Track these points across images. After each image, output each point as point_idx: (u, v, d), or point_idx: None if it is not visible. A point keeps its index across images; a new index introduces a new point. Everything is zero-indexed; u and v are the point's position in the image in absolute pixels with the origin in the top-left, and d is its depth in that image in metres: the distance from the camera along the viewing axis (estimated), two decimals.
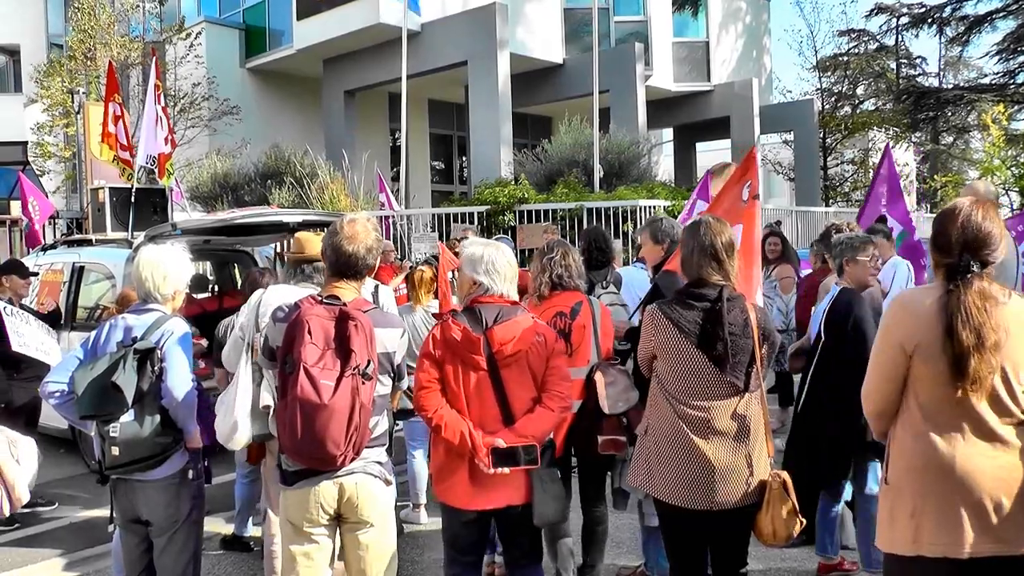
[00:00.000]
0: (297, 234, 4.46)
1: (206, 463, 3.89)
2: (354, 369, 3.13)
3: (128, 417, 3.53)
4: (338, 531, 3.45)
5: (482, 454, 3.41)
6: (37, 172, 19.54)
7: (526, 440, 3.44)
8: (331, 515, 3.35)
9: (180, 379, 3.65)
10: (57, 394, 3.67)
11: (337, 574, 3.55)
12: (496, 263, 3.59)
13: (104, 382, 3.50)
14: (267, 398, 3.79)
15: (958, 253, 2.72)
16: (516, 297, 3.66)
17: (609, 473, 4.63)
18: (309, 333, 3.16)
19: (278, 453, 3.42)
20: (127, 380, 3.49)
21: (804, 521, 3.47)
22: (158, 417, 3.58)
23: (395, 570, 3.57)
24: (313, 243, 4.28)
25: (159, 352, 3.62)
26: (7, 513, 4.10)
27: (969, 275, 2.70)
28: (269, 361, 3.45)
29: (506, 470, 3.43)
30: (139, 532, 3.80)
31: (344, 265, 3.40)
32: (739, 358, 3.41)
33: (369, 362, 3.18)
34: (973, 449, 2.67)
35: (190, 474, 3.75)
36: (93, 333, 3.82)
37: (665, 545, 3.72)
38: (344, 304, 3.28)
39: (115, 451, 3.52)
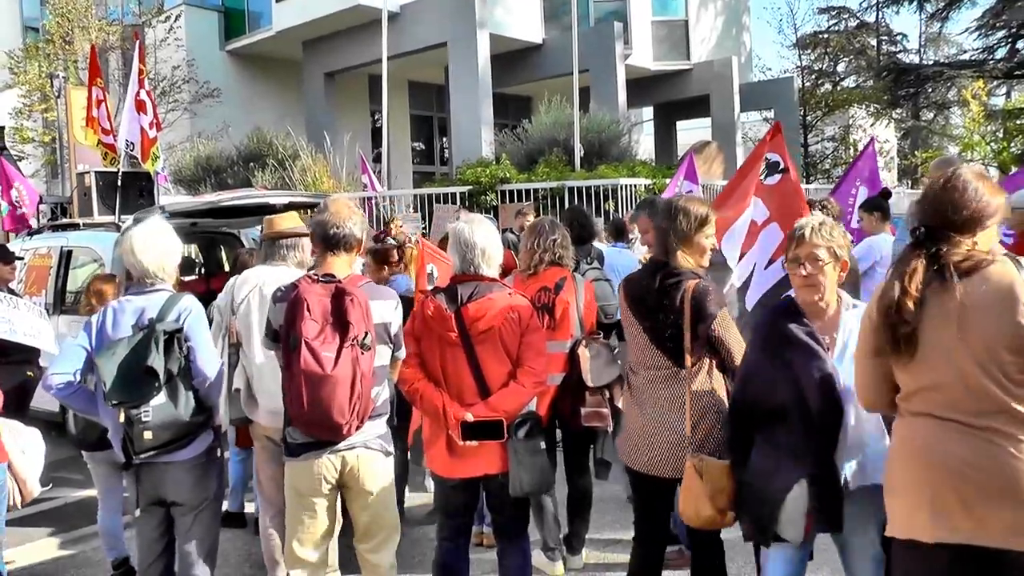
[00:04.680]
0: (267, 216, 4.55)
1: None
2: (352, 340, 3.29)
3: (160, 400, 3.49)
4: (340, 497, 3.64)
5: (453, 427, 3.55)
6: (15, 157, 19.44)
7: (498, 415, 3.56)
8: (332, 484, 3.53)
9: (210, 357, 3.71)
10: (62, 385, 3.61)
11: None
12: (460, 238, 3.70)
13: (134, 366, 3.47)
14: (238, 381, 3.92)
15: (917, 227, 2.56)
16: (492, 272, 3.76)
17: (592, 445, 4.77)
18: (308, 310, 3.31)
19: (284, 427, 3.56)
20: (161, 362, 3.48)
21: (730, 514, 3.35)
22: (192, 397, 3.59)
23: (398, 531, 3.77)
24: (279, 220, 4.42)
25: (183, 332, 3.62)
26: (19, 505, 4.16)
27: (921, 250, 2.50)
28: (273, 343, 3.57)
29: (474, 443, 3.57)
30: (158, 514, 3.79)
31: (332, 240, 3.54)
32: (669, 333, 3.53)
33: (367, 333, 3.33)
34: (942, 435, 2.45)
35: (216, 452, 3.81)
36: (94, 319, 3.75)
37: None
38: (339, 281, 3.43)
39: (148, 435, 3.47)
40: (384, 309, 3.57)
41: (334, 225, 3.53)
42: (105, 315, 3.72)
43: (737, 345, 3.51)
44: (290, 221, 4.43)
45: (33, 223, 10.70)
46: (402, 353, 3.76)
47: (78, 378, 3.65)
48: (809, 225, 3.18)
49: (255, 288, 4.24)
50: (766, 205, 4.89)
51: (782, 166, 4.85)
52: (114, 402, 3.48)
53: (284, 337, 3.40)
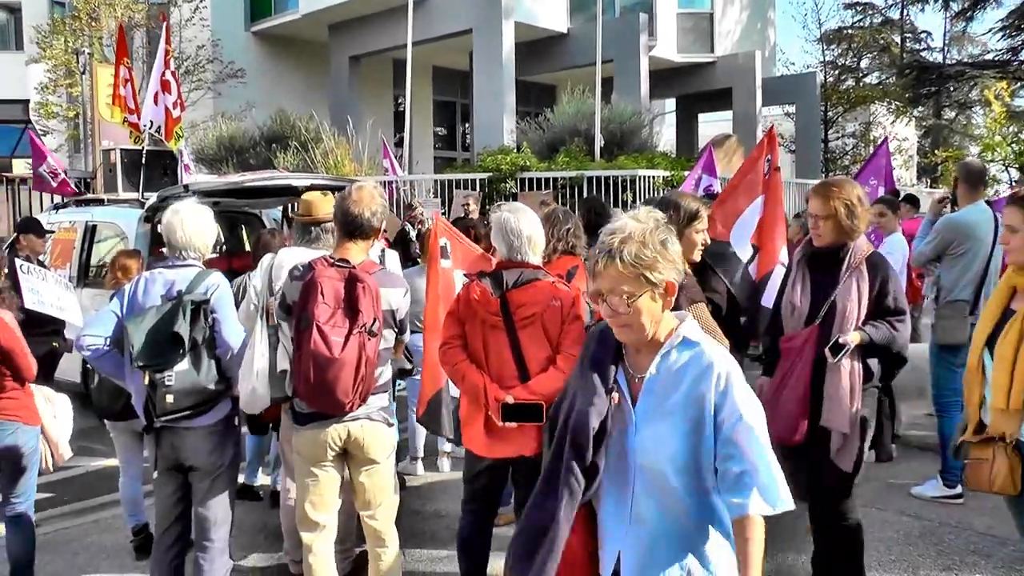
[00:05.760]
0: (304, 196, 4.62)
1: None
2: (361, 327, 3.46)
3: (183, 366, 3.69)
4: (346, 465, 3.82)
5: (493, 408, 3.67)
6: (40, 131, 19.64)
7: (536, 398, 3.67)
8: (337, 451, 3.71)
9: (235, 329, 3.88)
10: (94, 347, 3.80)
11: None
12: (507, 227, 3.81)
13: (161, 332, 3.66)
14: (284, 362, 4.04)
15: None
16: (536, 259, 3.87)
17: None
18: (322, 294, 3.48)
19: (292, 397, 3.71)
20: (187, 330, 3.67)
21: None
22: (214, 366, 3.77)
23: (397, 498, 3.96)
24: (320, 205, 4.46)
25: (210, 304, 3.80)
26: (51, 468, 4.40)
27: None
28: (285, 315, 3.74)
29: (514, 424, 3.69)
30: (176, 480, 3.96)
31: (352, 226, 3.68)
32: None
33: (375, 320, 3.50)
34: None
35: (234, 421, 3.99)
36: (127, 287, 3.93)
37: None
38: (353, 267, 3.58)
39: (169, 399, 3.66)
40: (393, 296, 3.72)
41: (355, 213, 3.67)
42: (137, 284, 3.92)
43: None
44: (328, 205, 4.49)
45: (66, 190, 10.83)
46: (406, 337, 3.94)
47: (108, 342, 3.82)
48: (604, 251, 2.21)
49: None
50: (763, 203, 5.10)
51: (775, 165, 5.05)
52: (140, 364, 3.66)
53: (297, 315, 3.56)
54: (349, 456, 3.78)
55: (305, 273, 3.62)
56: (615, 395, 2.29)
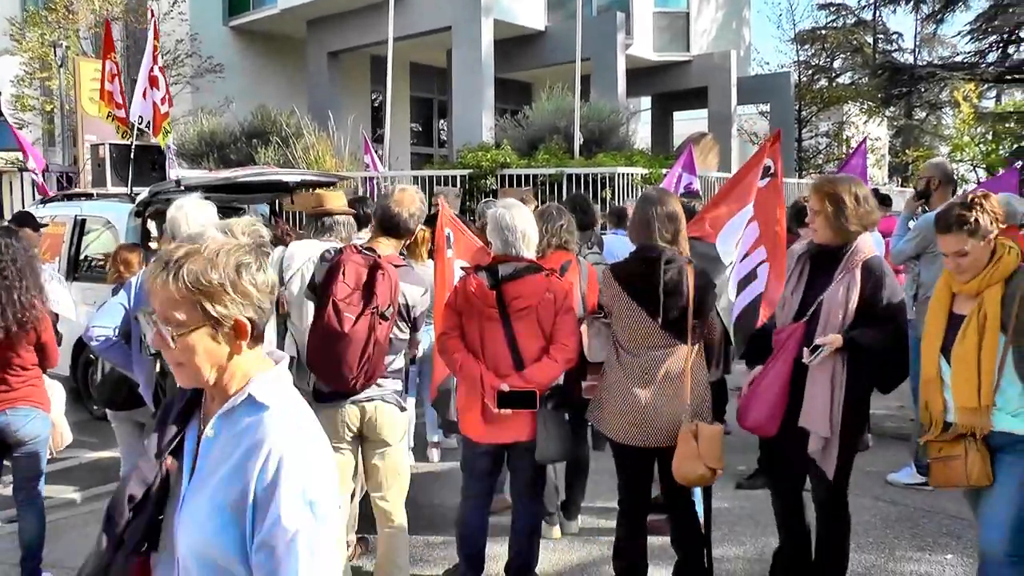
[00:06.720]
0: (316, 192, 4.80)
1: None
2: (374, 309, 3.66)
3: None
4: (360, 449, 4.01)
5: (490, 395, 3.85)
6: (15, 125, 19.48)
7: (531, 386, 3.86)
8: (355, 433, 3.90)
9: None
10: (103, 338, 3.94)
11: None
12: (501, 223, 3.98)
13: None
14: (291, 350, 4.17)
15: None
16: (530, 253, 4.04)
17: None
18: (343, 274, 3.71)
19: (310, 375, 3.89)
20: None
21: (717, 471, 3.75)
22: None
23: (407, 482, 4.16)
24: (331, 197, 4.68)
25: None
26: (55, 453, 4.54)
27: None
28: (312, 294, 3.93)
29: (509, 411, 3.86)
30: None
31: (389, 224, 3.92)
32: (672, 314, 3.81)
33: (389, 306, 3.70)
34: None
35: None
36: (134, 280, 4.06)
37: (617, 476, 4.16)
38: (379, 256, 3.79)
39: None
40: (412, 292, 3.92)
41: (394, 212, 3.90)
42: (144, 279, 4.00)
43: (720, 326, 3.88)
44: (338, 200, 4.71)
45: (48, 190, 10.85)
46: (419, 335, 4.15)
47: (116, 333, 3.94)
48: (160, 262, 1.78)
49: (307, 261, 4.41)
50: (753, 206, 5.22)
51: (772, 170, 5.16)
52: (152, 352, 3.79)
53: (320, 294, 3.79)
54: (364, 439, 3.96)
55: (334, 257, 3.85)
56: (168, 459, 1.82)
